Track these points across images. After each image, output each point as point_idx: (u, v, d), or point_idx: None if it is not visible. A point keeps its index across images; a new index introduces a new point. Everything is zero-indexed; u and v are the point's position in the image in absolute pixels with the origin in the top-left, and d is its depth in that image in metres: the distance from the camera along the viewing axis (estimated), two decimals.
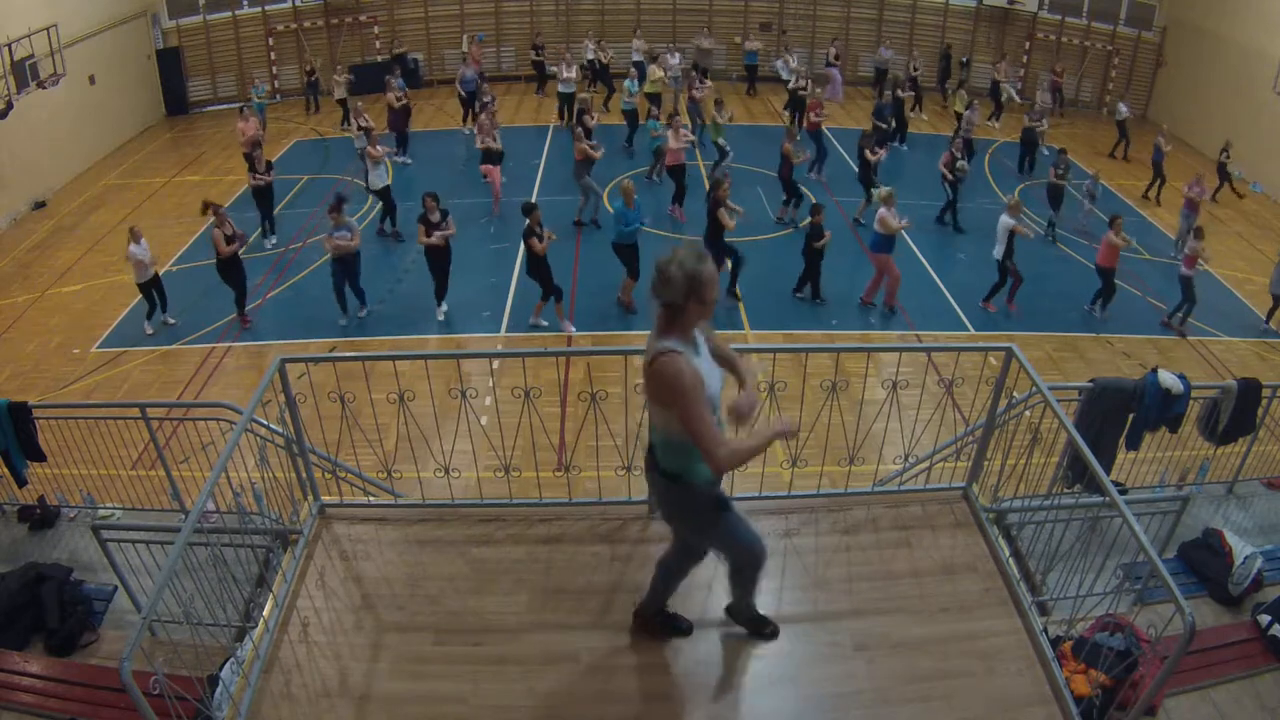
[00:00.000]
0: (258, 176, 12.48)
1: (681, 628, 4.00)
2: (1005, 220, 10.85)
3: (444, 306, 10.92)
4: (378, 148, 12.47)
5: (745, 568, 3.67)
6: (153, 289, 10.62)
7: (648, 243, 10.95)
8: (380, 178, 12.59)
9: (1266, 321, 11.63)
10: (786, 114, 15.77)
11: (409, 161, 15.62)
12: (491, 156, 13.39)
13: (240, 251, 10.52)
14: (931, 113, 19.25)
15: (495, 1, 20.46)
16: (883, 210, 10.71)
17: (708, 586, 4.24)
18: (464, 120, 17.40)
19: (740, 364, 3.44)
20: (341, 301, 10.80)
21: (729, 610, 4.05)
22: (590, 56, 18.44)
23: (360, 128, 13.67)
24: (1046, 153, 16.17)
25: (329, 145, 16.83)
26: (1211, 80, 17.81)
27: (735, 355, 3.48)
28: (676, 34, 20.33)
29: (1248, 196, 16.24)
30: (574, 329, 10.63)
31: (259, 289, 11.60)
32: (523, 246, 10.38)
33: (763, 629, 4.01)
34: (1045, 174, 13.84)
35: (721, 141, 14.56)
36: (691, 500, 3.40)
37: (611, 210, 11.42)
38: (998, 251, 11.04)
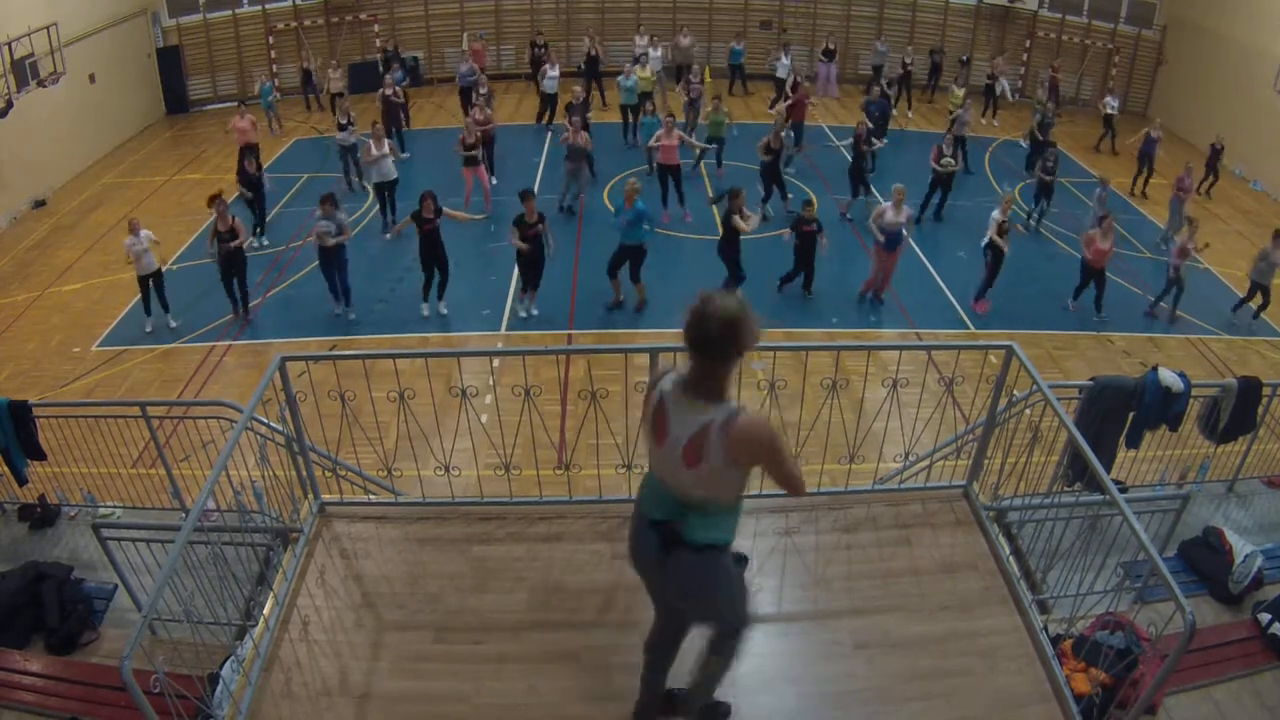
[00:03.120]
0: (250, 175, 12.48)
1: (722, 712, 3.69)
2: (994, 213, 10.96)
3: (437, 304, 10.94)
4: (385, 144, 12.44)
5: (737, 633, 3.28)
6: (149, 284, 10.55)
7: (652, 245, 10.92)
8: (386, 172, 12.59)
9: (1240, 304, 11.57)
10: (782, 109, 15.83)
11: (406, 156, 15.62)
12: (470, 159, 13.30)
13: (243, 245, 10.50)
14: (924, 111, 19.25)
15: (495, 1, 20.44)
16: (882, 205, 10.80)
17: None
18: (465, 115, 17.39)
19: None
20: (333, 291, 10.88)
21: (682, 696, 3.61)
22: (589, 52, 18.38)
23: (340, 125, 13.66)
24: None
25: (329, 144, 16.79)
26: (1212, 78, 17.80)
27: None
28: (676, 31, 20.27)
29: (1239, 190, 16.24)
30: (535, 311, 10.78)
31: (259, 288, 11.59)
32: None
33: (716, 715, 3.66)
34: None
35: (706, 140, 14.65)
36: (728, 565, 3.11)
37: (613, 208, 11.37)
38: (984, 240, 11.13)
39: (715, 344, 2.75)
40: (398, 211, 13.01)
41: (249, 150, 13.09)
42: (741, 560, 3.66)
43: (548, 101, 17.03)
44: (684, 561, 3.02)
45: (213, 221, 10.33)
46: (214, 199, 10.33)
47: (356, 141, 13.86)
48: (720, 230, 10.75)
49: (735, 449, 2.80)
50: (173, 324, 10.84)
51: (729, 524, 3.06)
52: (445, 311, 10.99)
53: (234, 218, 10.35)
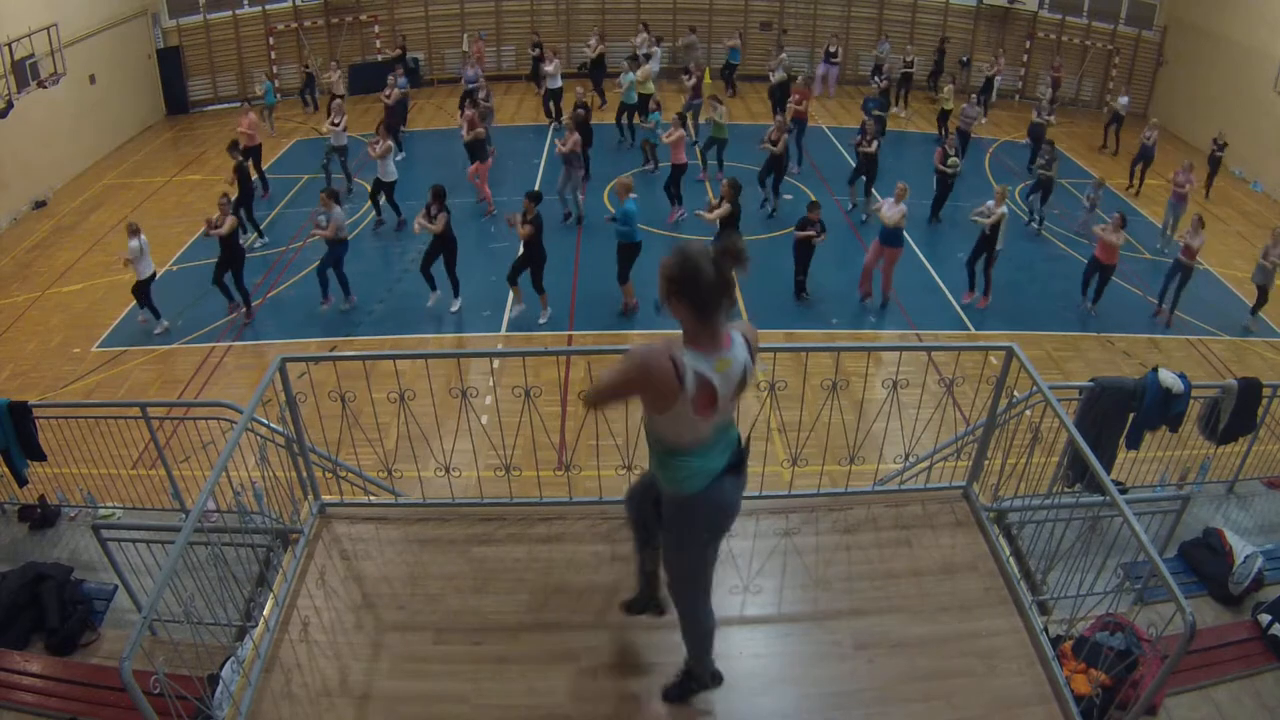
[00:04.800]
0: (238, 163, 12.52)
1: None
2: (989, 203, 10.99)
3: (458, 301, 11.00)
4: (387, 143, 12.50)
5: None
6: (147, 288, 10.53)
7: (651, 245, 10.92)
8: (389, 172, 12.65)
9: (1251, 315, 11.55)
10: (781, 116, 15.92)
11: (402, 155, 15.64)
12: (477, 153, 13.35)
13: (245, 241, 10.60)
14: (925, 112, 19.27)
15: (495, 1, 20.46)
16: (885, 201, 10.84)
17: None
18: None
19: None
20: (323, 286, 10.95)
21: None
22: (591, 54, 18.40)
23: (332, 125, 13.69)
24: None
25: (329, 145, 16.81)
26: (1212, 79, 17.81)
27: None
28: (676, 32, 20.30)
29: (1239, 191, 16.26)
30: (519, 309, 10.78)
31: (259, 289, 11.60)
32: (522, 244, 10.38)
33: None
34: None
35: (708, 141, 14.65)
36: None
37: (612, 210, 11.37)
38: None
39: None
40: (402, 211, 13.06)
41: (248, 151, 13.09)
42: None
43: (551, 98, 17.04)
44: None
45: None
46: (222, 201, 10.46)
47: (348, 142, 13.89)
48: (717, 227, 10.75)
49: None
50: (156, 331, 10.78)
51: None
52: (454, 309, 11.04)
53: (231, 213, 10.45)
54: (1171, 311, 11.39)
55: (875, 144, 13.32)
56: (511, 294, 10.77)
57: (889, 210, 10.68)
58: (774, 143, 12.98)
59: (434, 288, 10.95)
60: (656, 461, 3.18)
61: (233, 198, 11.29)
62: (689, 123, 15.61)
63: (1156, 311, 11.53)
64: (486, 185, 13.68)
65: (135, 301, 10.66)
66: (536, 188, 14.02)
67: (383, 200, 13.02)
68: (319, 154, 16.44)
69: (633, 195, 10.42)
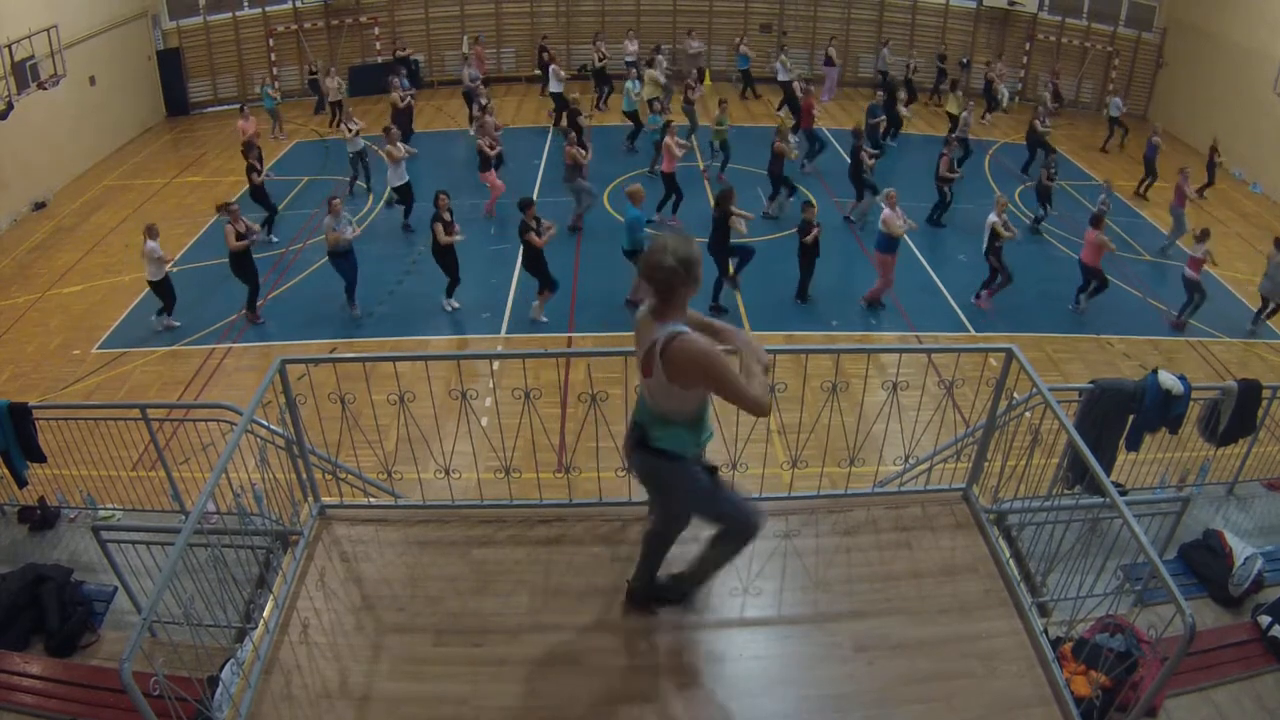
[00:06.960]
0: (257, 176, 12.52)
1: (672, 598, 4.06)
2: (990, 217, 11.03)
3: (454, 302, 11.04)
4: (398, 146, 12.53)
5: (737, 534, 3.71)
6: (164, 288, 10.64)
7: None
8: (400, 175, 12.72)
9: (1254, 321, 11.51)
10: (783, 113, 15.90)
11: (414, 151, 15.62)
12: (488, 162, 13.39)
13: (253, 247, 10.63)
14: (925, 114, 19.28)
15: (495, 2, 20.48)
16: (886, 211, 10.75)
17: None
18: (469, 121, 17.42)
19: (719, 328, 3.55)
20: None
21: (670, 582, 4.04)
22: (595, 58, 18.45)
23: (352, 131, 13.72)
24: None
25: (329, 146, 16.83)
26: (1212, 81, 17.81)
27: (710, 321, 3.57)
28: (676, 35, 20.32)
29: (1239, 193, 16.26)
30: (544, 319, 10.83)
31: (259, 290, 11.59)
32: (521, 244, 10.42)
33: (675, 595, 4.05)
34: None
35: (717, 143, 14.64)
36: (686, 472, 3.51)
37: (621, 218, 11.37)
38: (983, 247, 11.21)
39: (660, 276, 3.18)
40: (411, 209, 13.17)
41: (252, 149, 13.15)
42: (711, 470, 3.72)
43: (557, 102, 17.08)
44: (644, 461, 3.53)
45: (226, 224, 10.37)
46: (224, 207, 10.44)
47: (365, 146, 13.96)
48: (711, 229, 10.74)
49: (670, 367, 3.20)
50: (174, 324, 10.87)
51: (685, 436, 3.44)
52: (449, 309, 11.07)
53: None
54: (1186, 315, 11.36)
55: (872, 154, 13.30)
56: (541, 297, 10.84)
57: (890, 216, 10.68)
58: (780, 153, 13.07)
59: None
60: (685, 439, 3.45)
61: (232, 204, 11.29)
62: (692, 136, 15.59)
63: (1175, 322, 11.50)
64: (495, 191, 13.72)
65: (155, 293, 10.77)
66: (536, 190, 14.06)
67: (395, 200, 13.18)
68: (320, 155, 16.50)
69: (643, 200, 10.43)
